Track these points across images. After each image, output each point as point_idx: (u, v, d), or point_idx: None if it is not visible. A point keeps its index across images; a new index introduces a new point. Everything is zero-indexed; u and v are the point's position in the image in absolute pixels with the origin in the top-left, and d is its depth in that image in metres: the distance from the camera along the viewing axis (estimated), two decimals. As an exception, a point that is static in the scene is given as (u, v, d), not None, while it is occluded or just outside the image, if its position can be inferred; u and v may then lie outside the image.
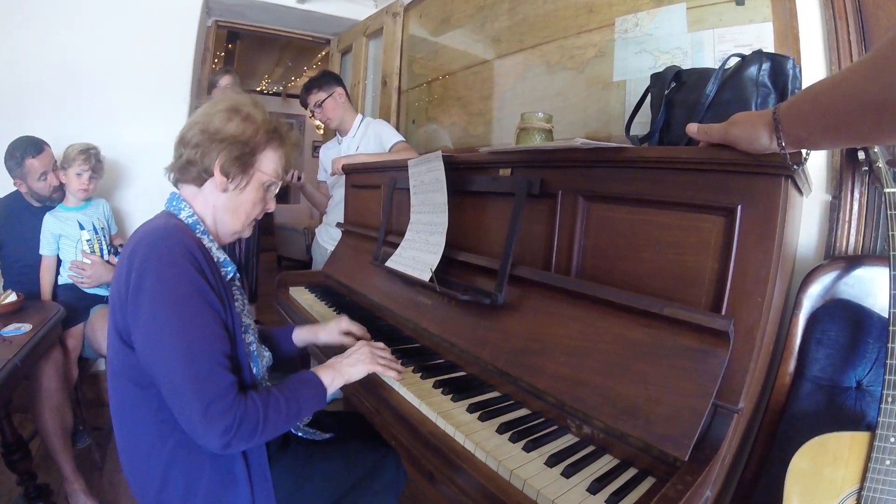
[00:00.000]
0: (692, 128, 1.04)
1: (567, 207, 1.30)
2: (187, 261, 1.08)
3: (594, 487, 0.91)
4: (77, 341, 2.44)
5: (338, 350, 1.48)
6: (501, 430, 1.11)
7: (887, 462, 1.03)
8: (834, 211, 1.44)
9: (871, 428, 1.07)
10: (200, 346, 1.04)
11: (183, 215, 1.24)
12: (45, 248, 2.53)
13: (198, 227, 1.24)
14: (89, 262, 2.57)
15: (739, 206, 0.98)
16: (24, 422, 2.28)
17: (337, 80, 2.98)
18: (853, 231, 1.43)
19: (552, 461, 0.99)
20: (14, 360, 1.61)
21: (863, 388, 1.26)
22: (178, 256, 1.08)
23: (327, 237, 3.08)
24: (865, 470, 1.05)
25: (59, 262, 2.59)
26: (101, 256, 2.63)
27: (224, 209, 1.28)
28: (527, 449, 1.04)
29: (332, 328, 1.60)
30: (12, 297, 2.10)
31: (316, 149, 9.78)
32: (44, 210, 2.57)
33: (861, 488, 1.05)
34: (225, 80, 3.38)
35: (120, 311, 1.11)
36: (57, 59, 3.10)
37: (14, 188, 2.61)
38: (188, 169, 1.24)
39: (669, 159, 1.08)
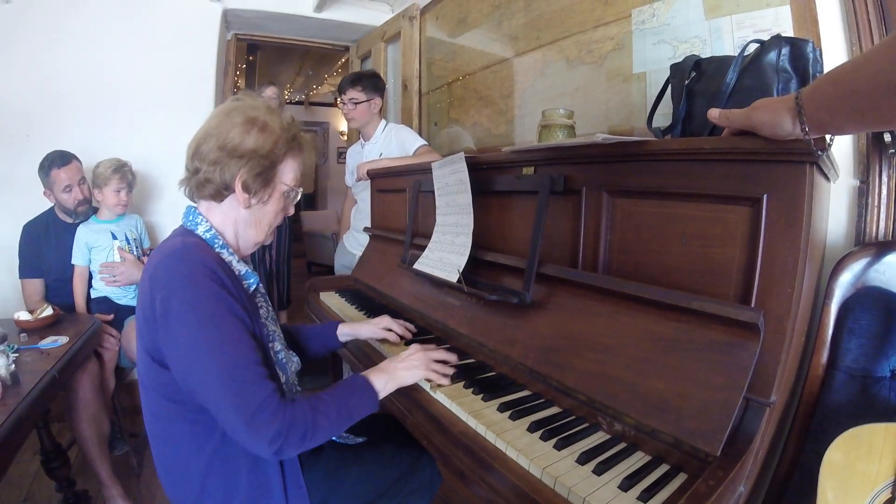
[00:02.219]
0: (714, 113, 1.03)
1: (592, 203, 1.30)
2: (209, 278, 1.08)
3: (625, 484, 0.91)
4: (113, 352, 2.50)
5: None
6: (532, 428, 1.11)
7: (923, 453, 1.00)
8: (862, 196, 1.42)
9: (902, 417, 1.04)
10: (236, 360, 1.04)
11: (200, 230, 1.22)
12: (78, 258, 2.60)
13: (216, 241, 1.22)
14: (121, 259, 2.64)
15: (765, 196, 0.97)
16: (62, 430, 2.34)
17: (380, 90, 2.98)
18: (882, 216, 1.40)
19: (583, 459, 0.99)
20: (52, 371, 1.65)
21: (897, 376, 1.23)
22: (199, 275, 1.07)
23: (354, 242, 3.09)
24: (901, 462, 1.02)
25: (91, 276, 2.66)
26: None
27: (246, 223, 1.27)
28: (558, 447, 1.04)
29: (376, 321, 1.67)
30: (48, 310, 2.15)
31: (341, 154, 9.85)
32: (76, 226, 2.65)
33: (896, 481, 1.03)
34: (269, 92, 3.45)
35: (148, 333, 1.11)
36: (85, 76, 3.20)
37: (49, 205, 2.71)
38: (205, 186, 1.21)
39: (692, 150, 1.08)
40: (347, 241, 3.21)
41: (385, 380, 1.26)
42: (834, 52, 1.43)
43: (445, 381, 1.33)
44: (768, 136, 0.92)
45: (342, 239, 3.29)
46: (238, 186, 1.20)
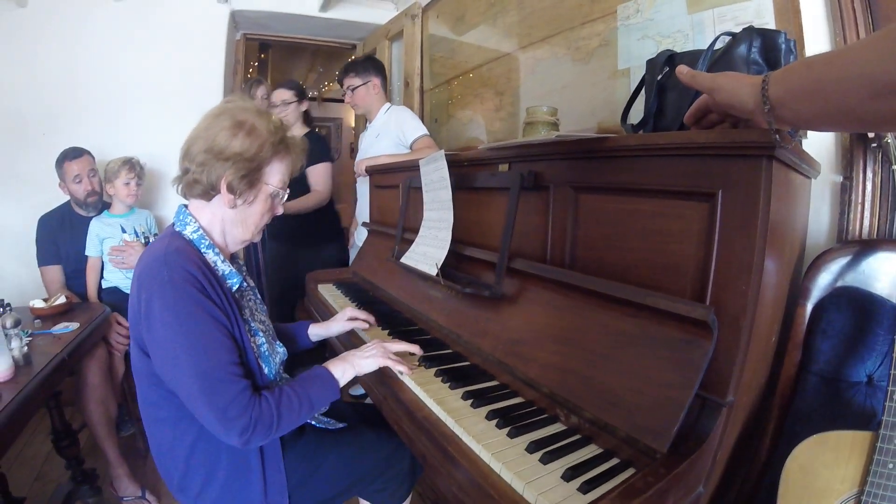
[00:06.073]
0: (682, 69, 0.98)
1: (559, 199, 1.31)
2: (189, 283, 1.15)
3: (568, 475, 0.91)
4: (123, 340, 2.57)
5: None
6: (490, 416, 1.13)
7: (890, 465, 0.95)
8: (845, 192, 1.37)
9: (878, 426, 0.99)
10: (209, 359, 1.13)
11: (188, 230, 1.28)
12: (91, 250, 2.74)
13: (203, 241, 1.28)
14: (130, 240, 2.75)
15: (720, 191, 0.95)
16: (75, 414, 2.42)
17: (377, 69, 2.95)
18: (867, 213, 1.35)
19: (532, 448, 1.00)
20: (61, 354, 1.78)
21: (873, 383, 1.17)
22: (180, 280, 1.14)
23: (362, 238, 3.10)
24: (866, 473, 0.98)
25: (103, 266, 2.77)
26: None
27: (233, 223, 1.33)
28: (511, 435, 1.05)
29: (339, 318, 1.72)
30: (62, 299, 2.27)
31: (354, 151, 9.81)
32: (90, 219, 2.78)
33: (861, 492, 0.98)
34: (260, 92, 3.49)
35: (136, 327, 1.21)
36: (98, 77, 3.34)
37: (65, 199, 2.85)
38: (194, 186, 1.27)
39: (647, 146, 1.07)
40: (358, 236, 3.21)
41: (343, 368, 1.35)
42: (817, 45, 1.40)
43: (404, 369, 1.36)
44: (723, 103, 0.89)
45: (353, 236, 3.32)
46: (223, 188, 1.25)
